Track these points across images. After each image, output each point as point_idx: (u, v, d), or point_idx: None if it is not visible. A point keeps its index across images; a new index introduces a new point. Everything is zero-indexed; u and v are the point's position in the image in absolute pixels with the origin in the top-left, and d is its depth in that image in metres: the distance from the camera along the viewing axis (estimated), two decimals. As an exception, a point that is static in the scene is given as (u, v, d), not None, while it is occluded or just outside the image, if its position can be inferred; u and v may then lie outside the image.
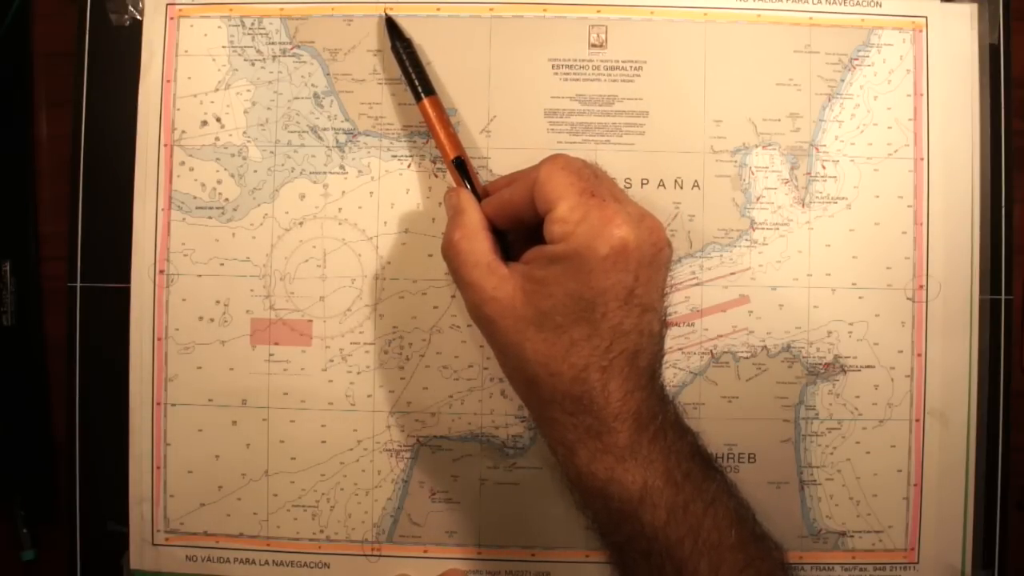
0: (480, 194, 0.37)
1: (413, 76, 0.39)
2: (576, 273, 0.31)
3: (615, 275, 0.31)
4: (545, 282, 0.32)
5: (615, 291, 0.31)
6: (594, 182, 0.33)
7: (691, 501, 0.32)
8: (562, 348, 0.32)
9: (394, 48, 0.40)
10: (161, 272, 0.42)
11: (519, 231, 0.35)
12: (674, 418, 0.34)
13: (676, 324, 0.42)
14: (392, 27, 0.40)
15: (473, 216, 0.35)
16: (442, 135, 0.38)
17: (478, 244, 0.34)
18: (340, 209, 0.42)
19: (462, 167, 0.38)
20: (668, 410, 0.33)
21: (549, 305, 0.32)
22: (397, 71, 0.41)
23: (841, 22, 0.42)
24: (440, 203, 0.42)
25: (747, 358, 0.42)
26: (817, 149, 0.42)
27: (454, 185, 0.38)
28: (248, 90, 0.42)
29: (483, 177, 0.42)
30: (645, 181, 0.42)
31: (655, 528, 0.31)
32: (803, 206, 0.42)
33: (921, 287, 0.42)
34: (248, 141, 0.42)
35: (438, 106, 0.39)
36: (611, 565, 0.35)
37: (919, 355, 0.42)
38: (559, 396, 0.32)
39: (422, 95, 0.39)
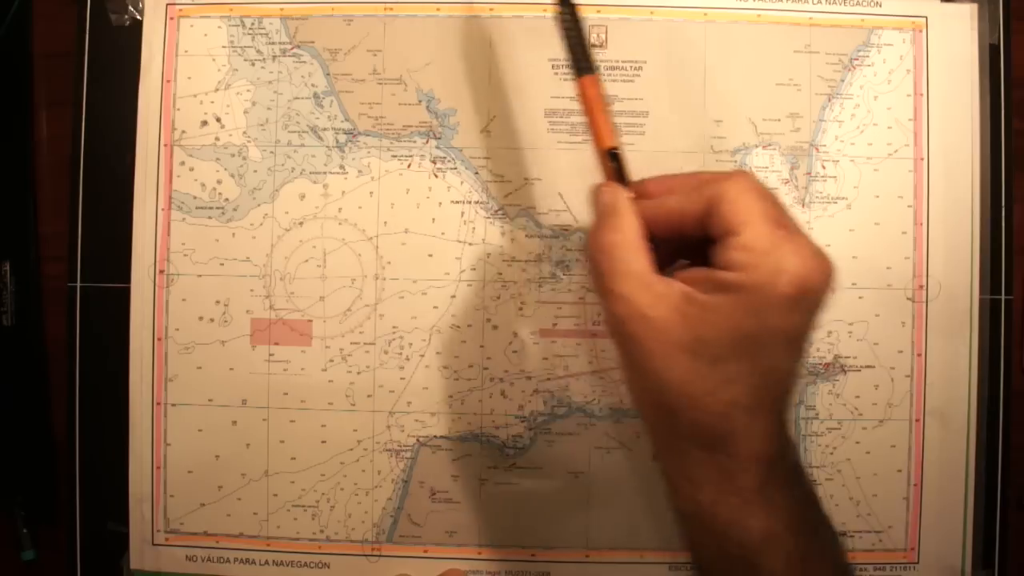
0: (632, 193, 0.33)
1: (576, 48, 0.33)
2: (749, 307, 0.29)
3: (792, 317, 0.29)
4: (709, 309, 0.29)
5: (787, 333, 0.29)
6: (780, 211, 0.30)
7: (808, 553, 0.30)
8: (714, 383, 0.29)
9: (561, 16, 0.34)
10: (161, 272, 0.42)
11: (670, 242, 0.32)
12: (795, 460, 0.32)
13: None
14: None
15: (632, 221, 0.31)
16: (599, 120, 0.33)
17: (635, 254, 0.30)
18: (340, 209, 0.42)
19: (617, 160, 0.33)
20: (792, 452, 0.32)
21: (711, 335, 0.29)
22: (397, 72, 0.41)
23: (841, 22, 0.42)
24: (438, 203, 0.42)
25: (747, 358, 0.42)
26: (817, 149, 0.42)
27: (603, 179, 0.34)
28: (248, 90, 0.42)
29: (483, 176, 0.42)
30: (645, 181, 0.42)
31: None
32: (803, 206, 0.42)
33: (921, 287, 0.42)
34: (248, 141, 0.42)
35: (598, 86, 0.33)
36: None
37: (919, 355, 0.42)
38: (698, 431, 0.30)
39: (585, 70, 0.33)
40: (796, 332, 0.29)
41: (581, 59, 0.33)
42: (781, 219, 0.29)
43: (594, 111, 0.33)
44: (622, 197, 0.32)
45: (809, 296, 0.29)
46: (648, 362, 0.30)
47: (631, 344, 0.30)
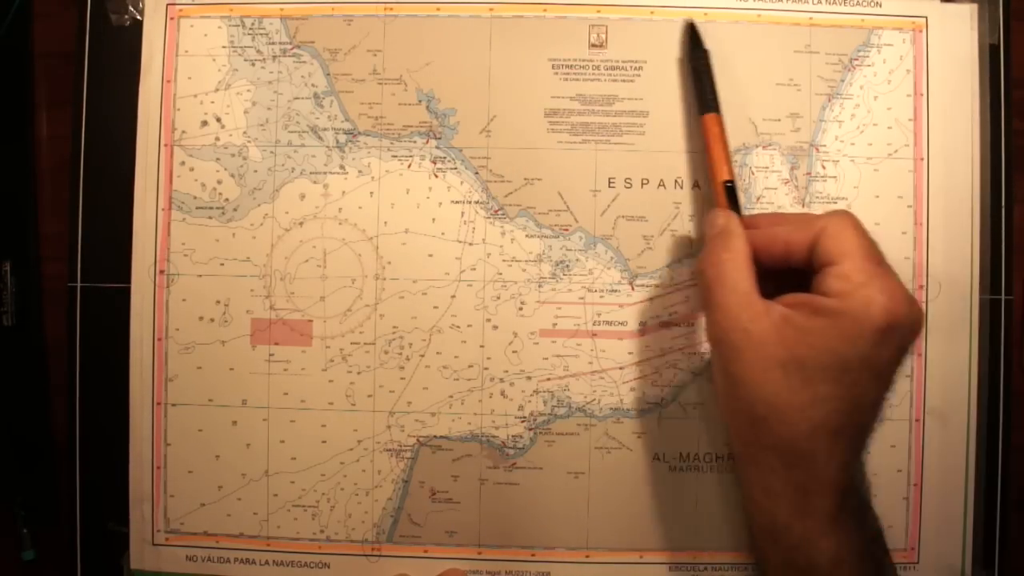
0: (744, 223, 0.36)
1: (706, 89, 0.39)
2: (843, 333, 0.31)
3: (880, 348, 0.31)
4: (808, 331, 0.31)
5: (874, 363, 0.31)
6: (878, 252, 0.33)
7: None
8: (804, 400, 0.31)
9: (692, 58, 0.40)
10: (161, 272, 0.42)
11: (771, 270, 0.34)
12: (866, 497, 0.34)
13: (676, 324, 0.42)
14: (693, 36, 0.40)
15: (743, 243, 0.34)
16: (718, 155, 0.38)
17: (742, 272, 0.33)
18: (340, 209, 0.42)
19: (732, 192, 0.37)
20: (865, 487, 0.34)
21: (806, 355, 0.31)
22: (397, 72, 0.41)
23: (841, 22, 0.42)
24: (438, 203, 0.42)
25: (747, 358, 0.42)
26: (817, 149, 0.42)
27: (718, 207, 0.37)
28: (248, 90, 0.42)
29: (483, 176, 0.42)
30: (645, 181, 0.42)
31: None
32: (803, 206, 0.42)
33: (921, 287, 0.42)
34: (248, 141, 0.42)
35: (720, 124, 0.38)
36: None
37: (919, 355, 0.42)
38: (783, 445, 0.31)
39: (709, 109, 0.39)
40: (883, 363, 0.31)
41: (709, 99, 0.39)
42: (879, 258, 0.32)
43: (714, 147, 0.38)
44: (735, 222, 0.35)
45: (898, 331, 0.31)
46: (744, 373, 0.32)
47: (730, 353, 0.32)
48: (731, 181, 0.37)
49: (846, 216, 0.33)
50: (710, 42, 0.41)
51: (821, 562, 0.31)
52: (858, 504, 0.33)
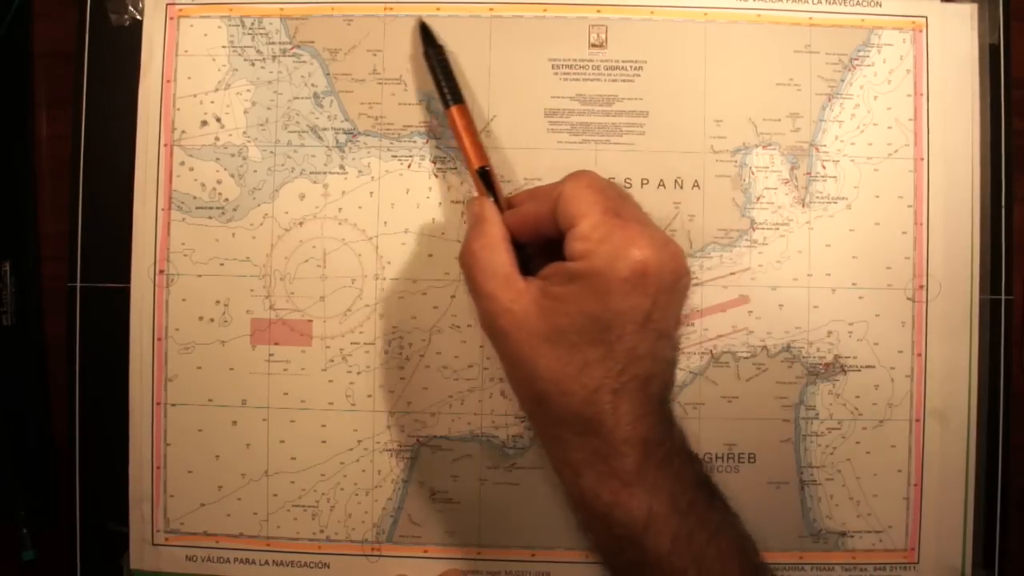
0: (502, 205, 0.37)
1: (443, 83, 0.39)
2: (594, 293, 0.31)
3: (634, 298, 0.31)
4: (562, 299, 0.31)
5: (632, 314, 0.31)
6: (619, 202, 0.32)
7: (695, 530, 0.31)
8: (575, 368, 0.31)
9: (426, 54, 0.40)
10: (161, 272, 0.42)
11: (539, 246, 0.35)
12: (681, 444, 0.33)
13: (676, 324, 0.42)
14: (426, 32, 0.40)
15: (495, 227, 0.35)
16: (468, 144, 0.38)
17: (497, 255, 0.34)
18: (340, 209, 0.42)
19: (487, 177, 0.37)
20: (676, 436, 0.33)
21: (565, 323, 0.31)
22: (397, 72, 0.41)
23: (841, 22, 0.42)
24: (440, 203, 0.42)
25: (747, 358, 0.42)
26: (817, 149, 0.42)
27: (476, 194, 0.38)
28: (248, 90, 0.42)
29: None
30: (645, 181, 0.42)
31: (659, 556, 0.31)
32: (803, 206, 0.42)
33: (921, 287, 0.42)
34: (248, 141, 0.42)
35: (466, 114, 0.39)
36: None
37: (919, 355, 0.42)
38: (568, 416, 0.32)
39: (450, 103, 0.39)
40: (643, 314, 0.31)
41: (449, 92, 0.39)
42: (619, 209, 0.32)
43: (463, 137, 0.38)
44: (487, 207, 0.36)
45: (649, 279, 0.31)
46: (517, 353, 0.32)
47: (501, 338, 0.33)
48: (485, 167, 0.37)
49: (581, 176, 0.33)
50: (711, 42, 0.41)
51: (636, 522, 0.31)
52: (666, 455, 0.32)
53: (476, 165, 0.38)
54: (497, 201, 0.37)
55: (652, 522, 0.31)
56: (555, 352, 0.31)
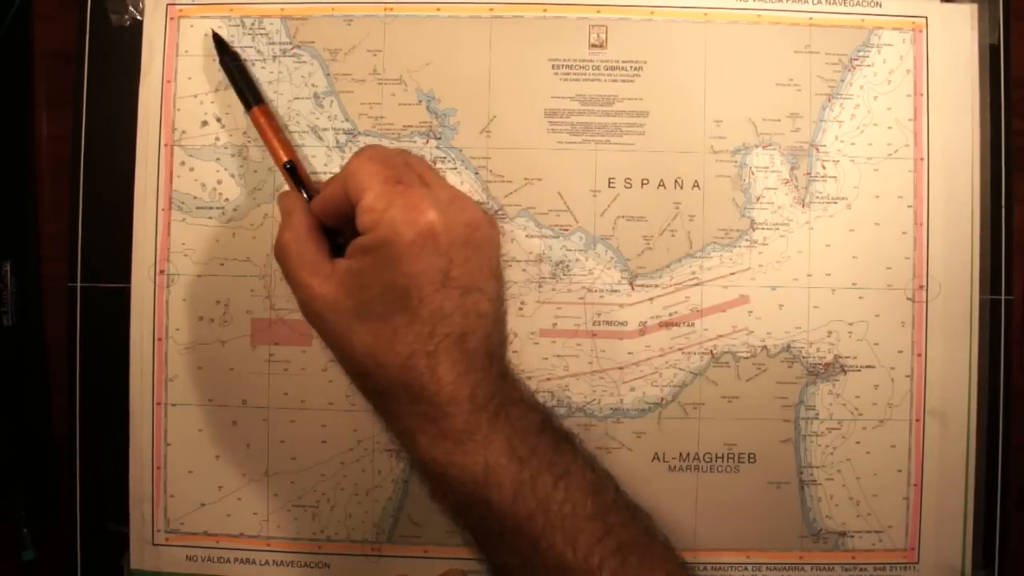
0: (313, 195, 0.37)
1: (242, 87, 0.40)
2: (387, 261, 0.31)
3: (425, 259, 0.31)
4: (362, 273, 0.32)
5: (428, 275, 0.31)
6: (402, 169, 0.33)
7: (538, 475, 0.32)
8: (386, 338, 0.32)
9: (222, 62, 0.41)
10: (161, 272, 0.42)
11: (353, 228, 0.35)
12: (519, 396, 0.34)
13: (676, 324, 0.42)
14: (219, 43, 0.41)
15: (300, 217, 0.35)
16: (273, 141, 0.39)
17: (304, 244, 0.34)
18: (340, 209, 0.42)
19: (293, 171, 0.38)
20: (511, 389, 0.33)
21: (368, 296, 0.32)
22: (397, 72, 0.41)
23: (841, 22, 0.42)
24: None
25: (747, 358, 0.42)
26: (817, 149, 0.42)
27: (287, 188, 0.39)
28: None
29: (483, 176, 0.42)
30: (645, 181, 0.42)
31: (503, 507, 0.31)
32: (803, 206, 0.42)
33: (921, 287, 0.42)
34: (248, 141, 0.42)
35: (267, 114, 0.40)
36: (471, 548, 0.35)
37: (919, 355, 0.42)
38: (391, 386, 0.32)
39: (252, 104, 0.40)
40: (439, 273, 0.32)
41: (249, 94, 0.40)
42: (401, 176, 0.32)
43: (268, 134, 0.39)
44: (292, 199, 0.37)
45: (439, 237, 0.31)
46: (333, 334, 0.33)
47: (317, 323, 0.34)
48: (290, 162, 0.39)
49: (364, 151, 0.34)
50: (711, 42, 0.41)
51: (475, 478, 0.31)
52: (499, 407, 0.32)
53: (283, 160, 0.39)
54: (309, 193, 0.38)
55: (491, 475, 0.31)
56: (366, 326, 0.32)
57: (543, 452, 0.33)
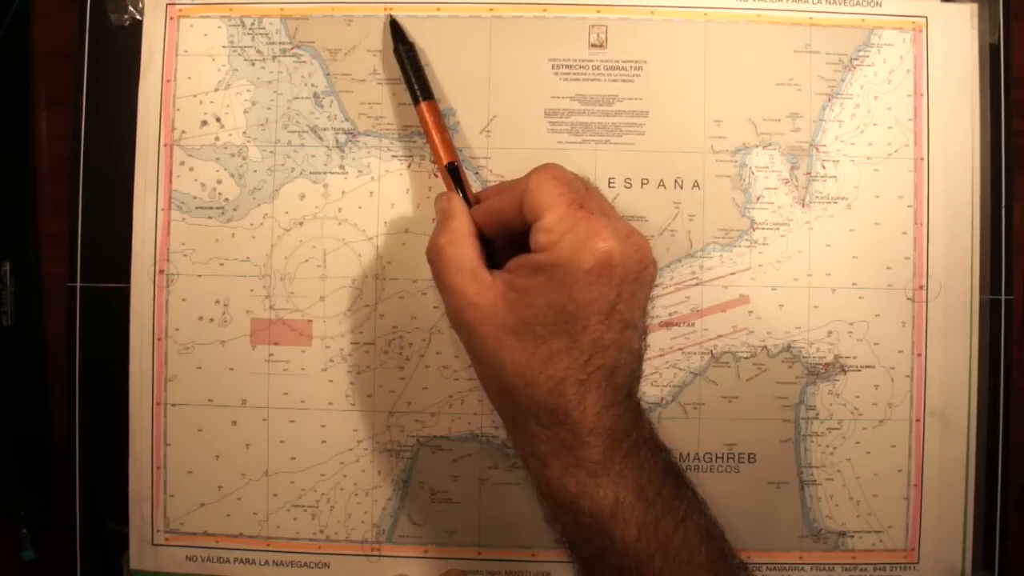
0: (471, 201, 0.37)
1: (413, 79, 0.39)
2: (559, 284, 0.31)
3: (598, 289, 0.31)
4: (527, 291, 0.32)
5: (597, 305, 0.31)
6: (584, 194, 0.32)
7: (662, 518, 0.32)
8: (540, 359, 0.31)
9: (396, 51, 0.40)
10: (161, 272, 0.42)
11: (508, 240, 0.35)
12: (648, 435, 0.34)
13: (676, 324, 0.42)
14: (396, 29, 0.40)
15: (461, 221, 0.35)
16: (437, 140, 0.38)
17: (463, 250, 0.34)
18: (340, 209, 0.42)
19: (455, 173, 0.38)
20: (643, 426, 0.33)
21: (530, 315, 0.31)
22: (397, 71, 0.41)
23: (841, 22, 0.42)
24: (440, 203, 0.42)
25: (747, 358, 0.42)
26: (817, 149, 0.42)
27: (446, 190, 0.38)
28: (248, 90, 0.42)
29: (483, 177, 0.42)
30: (645, 181, 0.42)
31: (625, 544, 0.31)
32: (803, 206, 0.42)
33: (921, 287, 0.42)
34: (248, 141, 0.42)
35: (435, 110, 0.39)
36: None
37: (919, 355, 0.42)
38: (534, 407, 0.32)
39: (420, 99, 0.39)
40: (607, 304, 0.31)
41: (419, 88, 0.39)
42: (583, 202, 0.32)
43: (432, 132, 0.38)
44: (455, 202, 0.36)
45: (614, 270, 0.31)
46: (483, 346, 0.33)
47: (467, 332, 0.33)
48: (453, 163, 0.38)
49: (546, 169, 0.33)
50: (711, 42, 0.41)
51: (602, 511, 0.31)
52: (632, 445, 0.32)
53: (445, 160, 0.38)
54: (466, 196, 0.37)
55: (618, 511, 0.31)
56: (520, 344, 0.32)
57: (667, 495, 0.32)
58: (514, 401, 0.33)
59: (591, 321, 0.31)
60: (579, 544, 0.33)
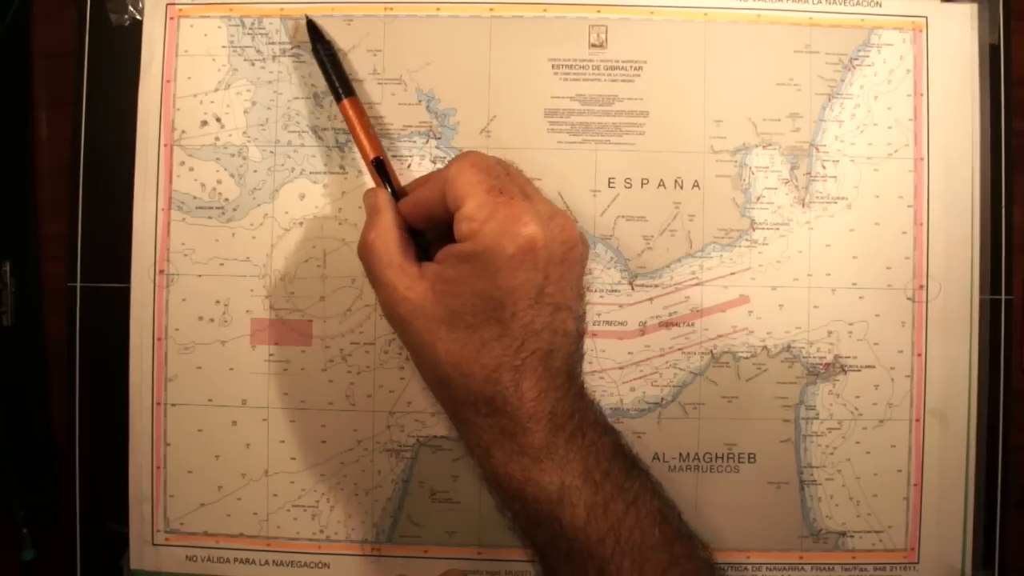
0: (399, 195, 0.37)
1: (333, 77, 0.39)
2: (484, 272, 0.31)
3: (523, 273, 0.31)
4: (455, 281, 0.32)
5: (524, 290, 0.31)
6: (503, 179, 0.32)
7: (611, 500, 0.32)
8: (473, 348, 0.31)
9: (315, 51, 0.40)
10: (161, 272, 0.42)
11: (438, 231, 0.35)
12: (594, 418, 0.33)
13: (676, 324, 0.42)
14: (313, 30, 0.40)
15: (388, 216, 0.35)
16: (362, 135, 0.38)
17: (392, 244, 0.34)
18: (340, 209, 0.42)
19: (381, 167, 0.38)
20: (587, 409, 0.33)
21: (459, 304, 0.31)
22: (398, 71, 0.41)
23: (841, 22, 0.42)
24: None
25: (747, 358, 0.42)
26: (817, 149, 0.42)
27: (374, 185, 0.38)
28: (248, 90, 0.42)
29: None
30: (645, 181, 0.42)
31: (575, 528, 0.31)
32: (803, 206, 0.42)
33: (921, 287, 0.42)
34: (248, 141, 0.42)
35: (357, 107, 0.39)
36: (534, 566, 0.35)
37: (919, 355, 0.42)
38: (472, 397, 0.32)
39: (342, 96, 0.39)
40: (534, 288, 0.31)
41: (340, 85, 0.39)
42: (503, 187, 0.32)
43: (356, 128, 0.38)
44: (381, 198, 0.36)
45: (538, 253, 0.31)
46: (417, 339, 0.33)
47: (401, 326, 0.33)
48: (379, 158, 0.38)
49: (465, 157, 0.33)
50: (711, 42, 0.41)
51: (549, 497, 0.31)
52: (576, 428, 0.32)
53: (371, 156, 0.38)
54: (394, 191, 0.37)
55: (565, 495, 0.31)
56: (453, 335, 0.32)
57: (616, 477, 0.32)
58: (452, 392, 0.33)
59: (520, 306, 0.31)
60: (530, 530, 0.33)
